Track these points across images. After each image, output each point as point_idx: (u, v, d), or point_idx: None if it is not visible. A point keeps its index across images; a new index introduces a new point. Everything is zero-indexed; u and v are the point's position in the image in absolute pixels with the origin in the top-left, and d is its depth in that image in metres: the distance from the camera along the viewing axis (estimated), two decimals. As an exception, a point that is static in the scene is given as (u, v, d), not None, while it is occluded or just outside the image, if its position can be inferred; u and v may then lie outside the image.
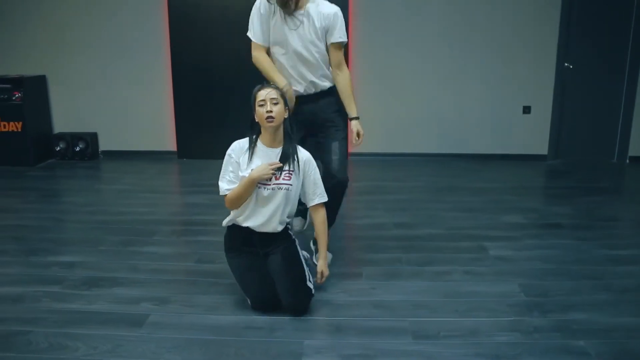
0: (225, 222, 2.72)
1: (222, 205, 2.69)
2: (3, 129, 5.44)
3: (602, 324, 2.49)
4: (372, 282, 2.94)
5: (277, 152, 2.64)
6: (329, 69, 2.99)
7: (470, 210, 4.17)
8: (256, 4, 2.88)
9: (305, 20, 2.82)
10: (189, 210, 4.33)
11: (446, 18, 5.60)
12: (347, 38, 3.01)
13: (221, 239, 2.79)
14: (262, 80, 2.90)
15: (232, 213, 2.68)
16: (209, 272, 3.03)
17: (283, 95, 2.64)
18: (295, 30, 2.84)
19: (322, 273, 2.71)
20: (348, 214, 4.07)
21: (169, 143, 5.91)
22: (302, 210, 3.16)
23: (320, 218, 2.75)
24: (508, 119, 5.78)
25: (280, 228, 2.65)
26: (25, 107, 5.44)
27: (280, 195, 2.60)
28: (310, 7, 2.83)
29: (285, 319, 2.54)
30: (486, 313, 2.60)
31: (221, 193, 2.65)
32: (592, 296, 2.76)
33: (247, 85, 5.63)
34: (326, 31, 2.88)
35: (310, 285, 2.63)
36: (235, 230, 2.68)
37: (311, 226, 2.92)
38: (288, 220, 2.72)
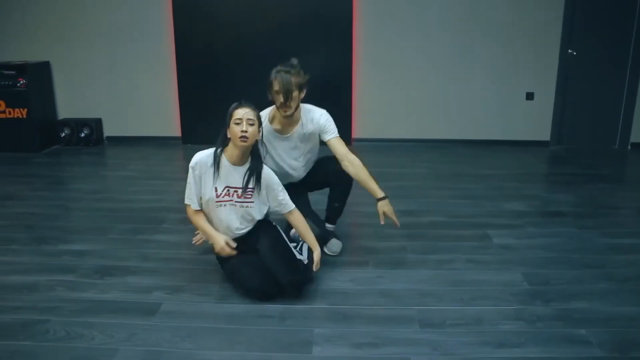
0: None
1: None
2: (8, 116, 5.46)
3: (603, 313, 2.55)
4: (379, 270, 2.99)
5: (241, 170, 2.69)
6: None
7: (473, 197, 4.21)
8: None
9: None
10: (195, 197, 4.36)
11: (450, 4, 5.59)
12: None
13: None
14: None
15: None
16: (219, 260, 3.08)
17: (259, 117, 2.69)
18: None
19: (317, 265, 2.77)
20: (352, 200, 4.06)
21: (174, 129, 5.94)
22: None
23: (297, 221, 2.84)
24: (511, 105, 5.79)
25: (249, 229, 2.79)
26: (30, 93, 5.46)
27: (242, 212, 2.74)
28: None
29: (296, 307, 2.60)
30: (490, 302, 2.66)
31: (186, 202, 2.80)
32: (593, 285, 2.82)
33: (250, 70, 5.70)
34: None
35: (301, 258, 2.75)
36: None
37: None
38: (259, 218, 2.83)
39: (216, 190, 2.69)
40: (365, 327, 2.44)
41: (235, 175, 2.69)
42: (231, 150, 2.68)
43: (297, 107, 2.98)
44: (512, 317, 2.52)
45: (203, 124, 5.88)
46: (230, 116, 2.64)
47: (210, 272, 2.93)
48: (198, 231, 3.01)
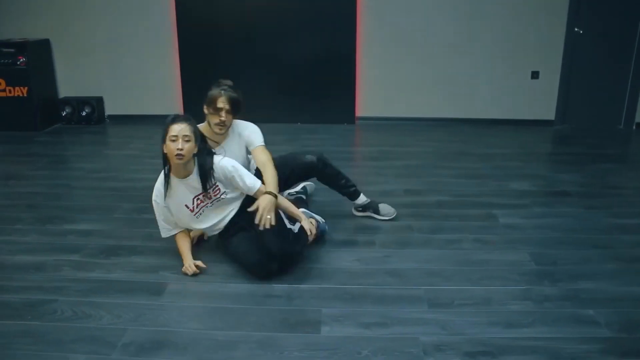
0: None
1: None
2: (8, 94, 5.41)
3: (610, 293, 2.54)
4: (386, 250, 2.99)
5: (191, 179, 2.64)
6: None
7: (478, 176, 4.19)
8: None
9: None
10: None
11: (456, -20, 5.50)
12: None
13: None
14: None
15: None
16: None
17: (196, 131, 2.62)
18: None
19: (310, 231, 2.75)
20: (358, 180, 4.05)
21: (176, 107, 5.87)
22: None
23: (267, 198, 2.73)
24: (516, 84, 5.74)
25: (236, 209, 2.79)
26: (30, 71, 5.40)
27: (219, 204, 2.73)
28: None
29: (303, 287, 2.59)
30: (498, 281, 2.65)
31: (164, 236, 2.81)
32: (600, 265, 2.81)
33: (254, 48, 5.63)
34: None
35: (292, 227, 2.71)
36: None
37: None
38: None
39: (187, 207, 2.69)
40: (373, 307, 2.43)
41: (191, 184, 2.65)
42: (173, 166, 2.61)
43: (229, 126, 3.02)
44: (520, 297, 2.52)
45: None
46: (166, 132, 2.56)
47: (216, 252, 2.91)
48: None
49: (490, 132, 5.56)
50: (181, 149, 2.49)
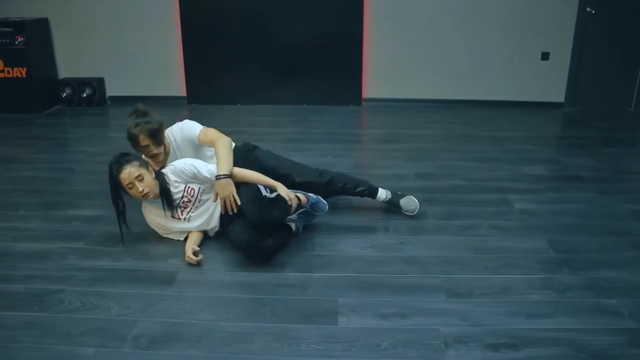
0: None
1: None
2: (7, 75, 5.28)
3: (632, 282, 2.47)
4: (400, 236, 2.91)
5: (160, 200, 2.69)
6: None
7: (490, 160, 4.11)
8: None
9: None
10: (204, 160, 4.25)
11: (466, -42, 5.34)
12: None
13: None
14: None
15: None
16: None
17: (143, 162, 2.64)
18: None
19: (288, 196, 2.65)
20: (368, 163, 4.02)
21: (178, 88, 5.77)
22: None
23: (236, 178, 2.69)
24: (525, 65, 5.62)
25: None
26: (29, 51, 5.26)
27: (203, 201, 2.72)
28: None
29: (317, 275, 2.52)
30: (517, 270, 2.58)
31: (182, 239, 2.80)
32: (620, 253, 2.74)
33: (259, 28, 5.48)
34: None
35: (268, 194, 2.59)
36: None
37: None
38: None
39: (173, 217, 2.73)
40: (391, 297, 2.36)
41: (160, 206, 2.70)
42: None
43: (166, 148, 2.92)
44: (540, 286, 2.45)
45: (209, 83, 5.71)
46: (118, 184, 2.56)
47: (225, 240, 2.82)
48: None
49: (499, 115, 5.45)
50: (142, 190, 2.53)
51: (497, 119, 5.30)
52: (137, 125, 2.74)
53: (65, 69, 5.78)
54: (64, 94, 5.62)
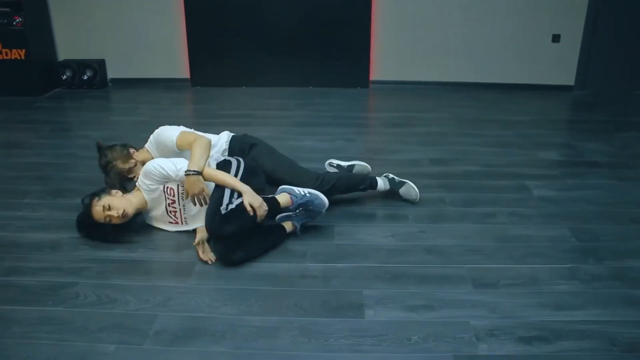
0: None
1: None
2: (5, 57, 5.13)
3: (661, 272, 2.41)
4: (420, 224, 2.83)
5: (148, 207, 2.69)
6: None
7: (504, 145, 4.04)
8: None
9: None
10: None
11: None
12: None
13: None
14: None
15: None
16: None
17: (107, 186, 2.67)
18: None
19: (251, 206, 2.43)
20: (381, 148, 3.93)
21: (182, 70, 5.64)
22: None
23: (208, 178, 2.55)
24: (536, 48, 5.52)
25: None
26: (28, 32, 5.10)
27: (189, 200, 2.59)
28: None
29: (339, 266, 2.44)
30: (542, 259, 2.52)
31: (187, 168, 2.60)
32: (644, 242, 2.67)
33: (265, 7, 5.34)
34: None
35: (226, 206, 2.40)
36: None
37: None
38: None
39: (171, 223, 2.69)
40: (416, 288, 2.29)
41: (152, 209, 2.68)
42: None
43: (135, 164, 2.86)
44: (566, 276, 2.39)
45: (213, 65, 5.58)
46: (97, 226, 2.55)
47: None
48: None
49: (509, 98, 5.37)
50: (118, 215, 2.49)
51: (507, 102, 5.22)
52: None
53: (65, 50, 5.63)
54: (64, 77, 5.48)
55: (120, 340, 1.94)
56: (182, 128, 2.83)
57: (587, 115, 4.96)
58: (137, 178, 2.70)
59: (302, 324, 2.06)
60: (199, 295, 2.22)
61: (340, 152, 3.78)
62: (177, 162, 2.58)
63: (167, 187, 2.59)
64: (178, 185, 2.58)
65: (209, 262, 2.43)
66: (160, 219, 2.71)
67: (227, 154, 2.91)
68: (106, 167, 2.79)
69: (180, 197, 2.60)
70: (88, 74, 5.49)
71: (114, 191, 2.59)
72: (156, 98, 5.27)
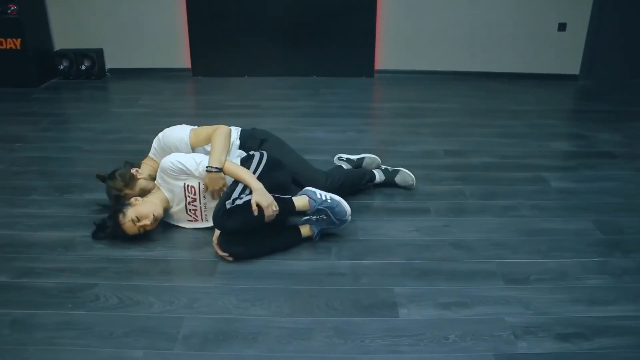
0: None
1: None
2: (1, 47, 4.95)
3: (688, 266, 2.37)
4: (443, 218, 2.77)
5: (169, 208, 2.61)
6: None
7: (516, 135, 4.00)
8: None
9: None
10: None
11: None
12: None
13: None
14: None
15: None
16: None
17: (121, 202, 2.52)
18: None
19: (257, 205, 2.31)
20: (394, 139, 3.86)
21: (182, 59, 5.50)
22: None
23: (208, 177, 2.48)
24: (541, 37, 5.46)
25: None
26: (23, 21, 4.92)
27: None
28: None
29: (365, 262, 2.37)
30: (569, 253, 2.47)
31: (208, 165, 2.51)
32: (669, 234, 2.64)
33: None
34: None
35: (227, 205, 2.30)
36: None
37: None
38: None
39: (190, 221, 2.61)
40: (447, 284, 2.23)
41: (173, 209, 2.60)
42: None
43: (138, 184, 2.67)
44: (595, 270, 2.34)
45: (215, 54, 5.45)
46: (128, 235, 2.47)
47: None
48: None
49: (515, 87, 5.32)
50: (151, 222, 2.43)
51: (513, 92, 5.17)
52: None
53: (62, 39, 5.45)
54: (61, 67, 5.31)
55: (149, 345, 1.85)
56: (186, 126, 2.71)
57: (594, 105, 4.92)
58: (151, 187, 2.63)
59: (335, 324, 1.99)
60: (225, 295, 2.13)
61: (352, 144, 3.70)
62: (196, 156, 2.50)
63: (188, 186, 2.49)
64: (199, 183, 2.48)
65: (229, 258, 2.35)
66: (178, 217, 2.61)
67: (239, 148, 2.81)
68: (118, 201, 2.58)
69: (201, 195, 2.51)
70: (86, 64, 5.33)
71: (132, 199, 2.50)
72: (157, 88, 5.13)
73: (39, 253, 2.40)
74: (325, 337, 1.92)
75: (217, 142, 2.47)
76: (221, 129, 2.55)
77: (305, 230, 2.50)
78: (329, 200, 2.45)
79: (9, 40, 4.92)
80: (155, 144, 2.73)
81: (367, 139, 3.85)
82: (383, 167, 3.13)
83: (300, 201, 2.45)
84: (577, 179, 3.25)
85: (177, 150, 2.64)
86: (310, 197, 2.46)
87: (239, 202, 2.31)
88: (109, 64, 5.56)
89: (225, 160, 2.45)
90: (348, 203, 2.51)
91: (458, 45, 5.51)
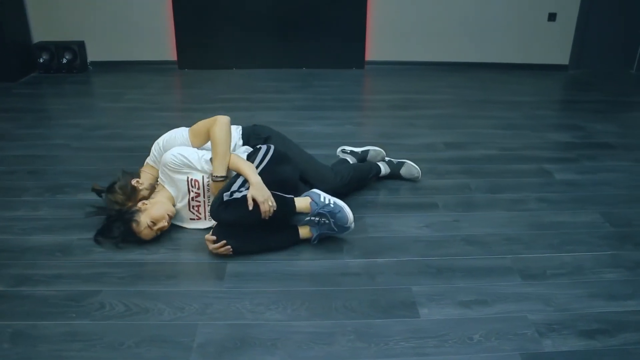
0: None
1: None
2: (-24, 39, 4.72)
3: (700, 257, 2.36)
4: (452, 213, 2.71)
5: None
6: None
7: (514, 127, 3.98)
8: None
9: None
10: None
11: None
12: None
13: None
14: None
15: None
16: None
17: (131, 210, 2.37)
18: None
19: (253, 200, 2.23)
20: (393, 132, 3.78)
21: (168, 52, 5.33)
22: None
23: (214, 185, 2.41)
24: (531, 27, 5.45)
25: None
26: (0, 11, 4.68)
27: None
28: None
29: (379, 261, 2.30)
30: (582, 247, 2.44)
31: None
32: (678, 225, 2.62)
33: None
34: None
35: (225, 197, 2.23)
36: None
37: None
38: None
39: (192, 219, 2.52)
40: (464, 282, 2.17)
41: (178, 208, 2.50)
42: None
43: (147, 193, 2.53)
44: (610, 264, 2.31)
45: (202, 46, 5.30)
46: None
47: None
48: None
49: (506, 78, 5.31)
50: (168, 222, 2.38)
51: (505, 83, 5.16)
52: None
53: (40, 31, 5.23)
54: (41, 60, 5.09)
55: (162, 356, 1.75)
56: (184, 128, 2.57)
57: (586, 95, 4.93)
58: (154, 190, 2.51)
59: (356, 327, 1.91)
60: (237, 299, 2.03)
61: (350, 137, 3.62)
62: (198, 150, 2.39)
63: (192, 179, 2.38)
64: (203, 176, 2.37)
65: (220, 250, 2.27)
66: (179, 215, 2.49)
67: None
68: (124, 217, 2.36)
69: (205, 189, 2.40)
70: (67, 57, 5.12)
71: (140, 203, 2.38)
72: (142, 82, 4.96)
73: (35, 259, 2.26)
74: (347, 341, 1.84)
75: (218, 145, 2.33)
76: (219, 122, 2.39)
77: (304, 231, 2.41)
78: (331, 205, 2.33)
79: (-15, 32, 4.69)
80: (154, 150, 2.57)
81: (365, 132, 3.77)
82: (387, 159, 3.07)
83: (302, 202, 2.35)
84: (580, 171, 3.24)
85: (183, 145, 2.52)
86: (312, 200, 2.35)
87: (237, 195, 2.23)
88: (91, 57, 5.36)
89: (229, 161, 2.34)
90: (352, 197, 2.42)
91: (448, 35, 5.46)
